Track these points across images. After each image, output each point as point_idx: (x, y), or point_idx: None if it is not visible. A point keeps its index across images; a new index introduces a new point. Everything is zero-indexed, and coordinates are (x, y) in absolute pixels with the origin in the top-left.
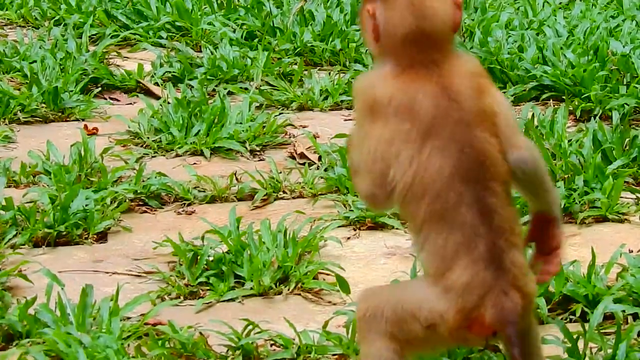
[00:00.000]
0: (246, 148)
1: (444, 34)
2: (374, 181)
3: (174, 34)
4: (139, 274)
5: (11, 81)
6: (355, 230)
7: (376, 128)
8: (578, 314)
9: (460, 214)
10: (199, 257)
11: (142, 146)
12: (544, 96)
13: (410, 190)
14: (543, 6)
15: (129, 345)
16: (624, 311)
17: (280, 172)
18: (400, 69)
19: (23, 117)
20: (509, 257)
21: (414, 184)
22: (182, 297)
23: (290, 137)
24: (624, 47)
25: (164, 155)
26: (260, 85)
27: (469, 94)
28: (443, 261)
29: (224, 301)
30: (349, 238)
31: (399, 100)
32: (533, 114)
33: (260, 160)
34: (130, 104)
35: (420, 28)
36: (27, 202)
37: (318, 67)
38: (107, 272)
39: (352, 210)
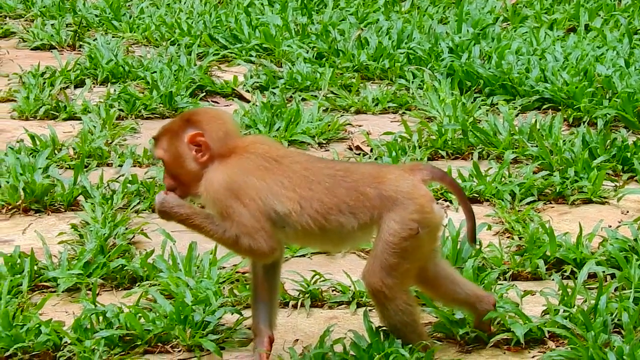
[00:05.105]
0: (315, 141)
1: None
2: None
3: (261, 53)
4: None
5: (137, 86)
6: None
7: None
8: (568, 273)
9: None
10: None
11: None
12: (544, 107)
13: None
14: (545, 38)
15: (224, 288)
16: (604, 272)
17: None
18: None
19: (145, 114)
20: None
21: None
22: None
23: (348, 134)
24: (607, 70)
25: None
26: (327, 94)
27: None
28: None
29: (297, 257)
30: None
31: None
32: (536, 120)
33: (326, 150)
34: (227, 105)
35: None
36: (148, 178)
37: (371, 81)
38: None
39: None
